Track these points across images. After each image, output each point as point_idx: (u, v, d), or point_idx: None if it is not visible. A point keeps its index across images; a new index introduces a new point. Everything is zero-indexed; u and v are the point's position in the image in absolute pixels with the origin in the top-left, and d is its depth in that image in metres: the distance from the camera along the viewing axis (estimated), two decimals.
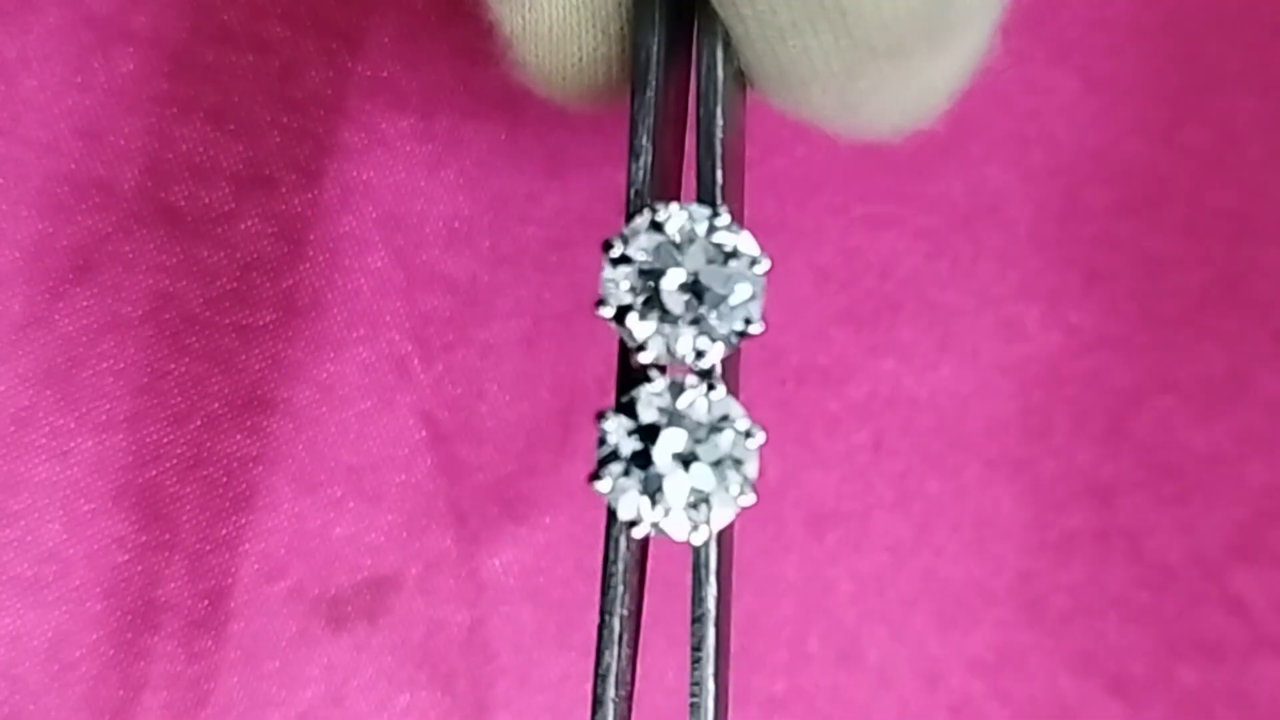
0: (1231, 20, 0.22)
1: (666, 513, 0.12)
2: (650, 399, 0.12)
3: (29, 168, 0.19)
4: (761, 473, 0.22)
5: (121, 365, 0.19)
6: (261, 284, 0.19)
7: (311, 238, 0.20)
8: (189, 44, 0.20)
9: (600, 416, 0.12)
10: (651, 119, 0.13)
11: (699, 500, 0.12)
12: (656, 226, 0.12)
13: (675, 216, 0.12)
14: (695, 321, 0.12)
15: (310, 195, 0.20)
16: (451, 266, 0.20)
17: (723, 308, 0.12)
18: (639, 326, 0.12)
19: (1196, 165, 0.21)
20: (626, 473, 0.12)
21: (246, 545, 0.19)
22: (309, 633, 0.19)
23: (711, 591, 0.13)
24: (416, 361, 0.20)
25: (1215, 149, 0.21)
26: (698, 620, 0.13)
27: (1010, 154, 0.21)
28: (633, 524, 0.12)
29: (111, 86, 0.19)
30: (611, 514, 0.12)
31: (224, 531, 0.19)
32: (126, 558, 0.19)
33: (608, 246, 0.12)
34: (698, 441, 0.12)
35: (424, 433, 0.20)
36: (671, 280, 0.12)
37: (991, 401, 0.21)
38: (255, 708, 0.19)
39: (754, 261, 0.12)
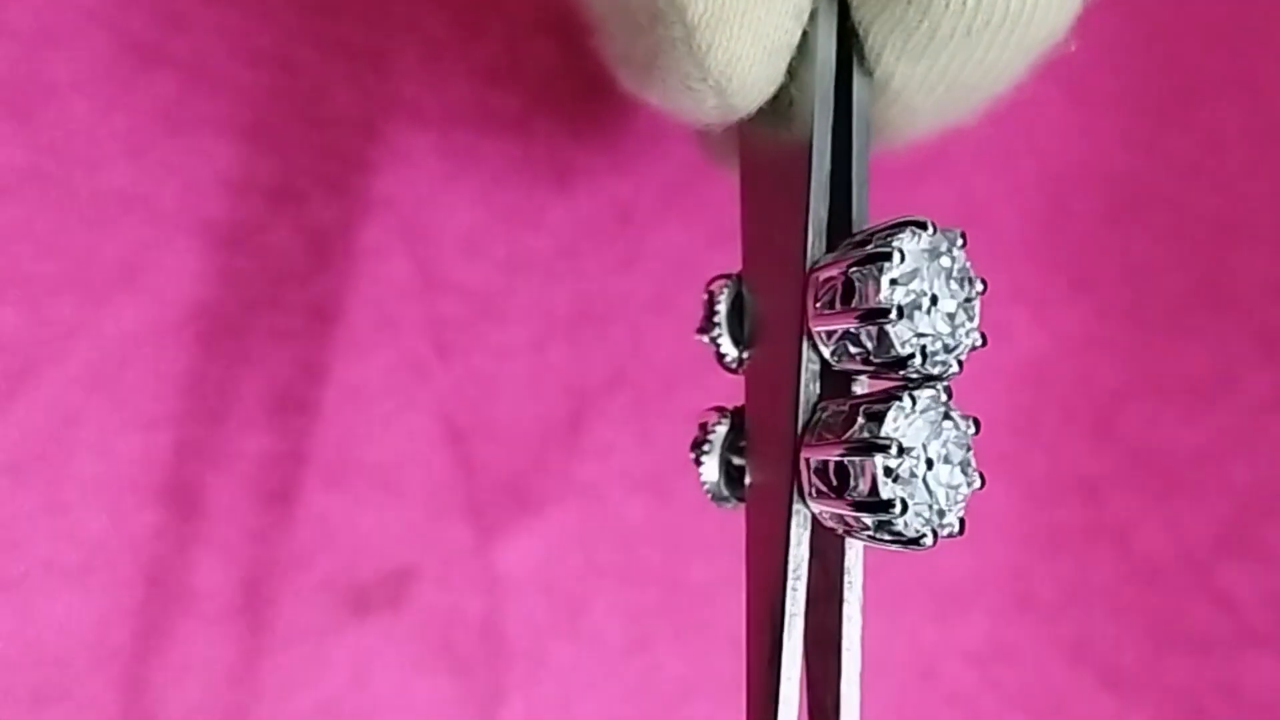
0: (1211, 32, 0.22)
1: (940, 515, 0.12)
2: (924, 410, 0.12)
3: (77, 183, 0.20)
4: None
5: (162, 368, 0.20)
6: (291, 292, 0.20)
7: (338, 248, 0.21)
8: (225, 67, 0.21)
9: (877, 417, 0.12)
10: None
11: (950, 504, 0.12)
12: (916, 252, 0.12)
13: (934, 238, 0.13)
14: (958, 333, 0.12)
15: (337, 208, 0.21)
16: (467, 275, 0.21)
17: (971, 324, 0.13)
18: (927, 327, 0.12)
19: (1179, 173, 0.22)
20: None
21: (278, 537, 0.20)
22: (336, 621, 0.20)
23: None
24: (435, 364, 0.21)
25: (1197, 157, 0.22)
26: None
27: (998, 164, 0.21)
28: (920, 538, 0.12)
29: (154, 108, 0.20)
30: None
31: (257, 524, 0.20)
32: (167, 549, 0.20)
33: (884, 269, 0.12)
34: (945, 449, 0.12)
35: (442, 432, 0.21)
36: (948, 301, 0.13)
37: (981, 400, 0.21)
38: (286, 691, 0.20)
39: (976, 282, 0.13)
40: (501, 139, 0.21)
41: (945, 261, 0.13)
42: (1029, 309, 0.21)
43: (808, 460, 0.13)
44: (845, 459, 0.12)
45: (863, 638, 0.14)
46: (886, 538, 0.12)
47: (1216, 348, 0.21)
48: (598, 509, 0.21)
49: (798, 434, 0.13)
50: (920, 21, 0.13)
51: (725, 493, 0.15)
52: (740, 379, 0.15)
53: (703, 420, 0.15)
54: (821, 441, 0.13)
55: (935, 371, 0.13)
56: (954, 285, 0.13)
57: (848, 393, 0.13)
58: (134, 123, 0.20)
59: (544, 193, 0.21)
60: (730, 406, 0.15)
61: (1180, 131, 0.22)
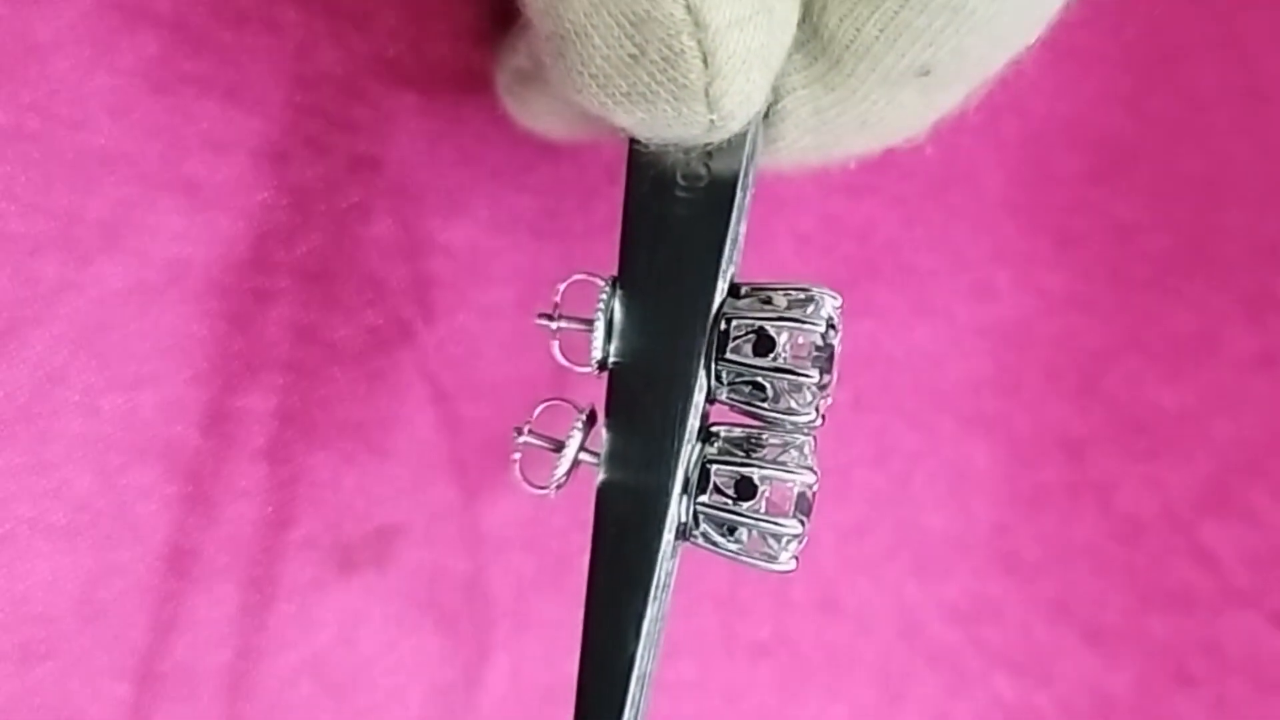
0: None
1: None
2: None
3: (61, 143, 0.20)
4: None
5: (147, 328, 0.20)
6: (276, 252, 0.20)
7: (322, 208, 0.20)
8: (208, 26, 0.20)
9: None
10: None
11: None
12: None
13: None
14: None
15: (320, 168, 0.21)
16: (452, 235, 0.21)
17: None
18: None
19: (1164, 133, 0.22)
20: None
21: (263, 496, 0.20)
22: (322, 579, 0.20)
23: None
24: (420, 324, 0.21)
25: (1182, 116, 0.22)
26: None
27: (982, 123, 0.21)
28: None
29: (137, 67, 0.20)
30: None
31: (243, 484, 0.20)
32: (153, 508, 0.20)
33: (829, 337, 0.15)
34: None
35: (428, 391, 0.21)
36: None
37: (965, 360, 0.21)
38: (273, 649, 0.20)
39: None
40: (485, 98, 0.21)
41: (838, 334, 0.15)
42: (1012, 269, 0.21)
43: (715, 471, 0.14)
44: (769, 473, 0.14)
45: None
46: (756, 559, 0.14)
47: (1200, 307, 0.21)
48: (582, 466, 0.21)
49: (693, 444, 0.14)
50: (832, 107, 0.14)
51: (563, 483, 0.16)
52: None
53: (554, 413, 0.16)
54: (731, 456, 0.14)
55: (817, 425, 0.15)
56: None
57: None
58: (117, 82, 0.20)
59: (528, 152, 0.21)
60: (584, 406, 0.16)
61: (1164, 91, 0.22)
